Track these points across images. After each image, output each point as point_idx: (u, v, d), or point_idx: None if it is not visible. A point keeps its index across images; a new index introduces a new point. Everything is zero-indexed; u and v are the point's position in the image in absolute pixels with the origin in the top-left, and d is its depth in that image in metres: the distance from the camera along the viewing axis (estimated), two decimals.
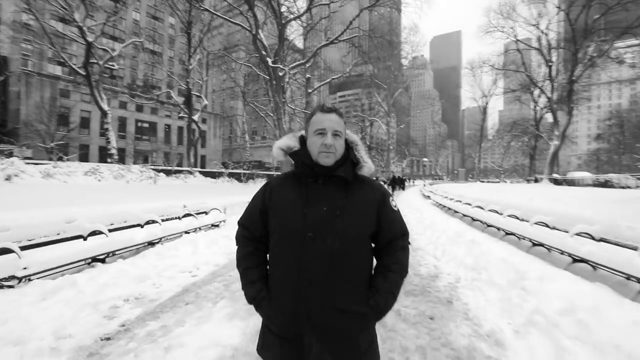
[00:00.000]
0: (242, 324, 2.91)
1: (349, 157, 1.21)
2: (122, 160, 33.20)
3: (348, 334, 1.13)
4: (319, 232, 1.11)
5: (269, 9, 27.91)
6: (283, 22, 28.17)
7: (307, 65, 31.19)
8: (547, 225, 5.93)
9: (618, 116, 59.97)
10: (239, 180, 30.67)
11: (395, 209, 1.26)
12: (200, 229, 6.76)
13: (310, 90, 33.60)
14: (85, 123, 44.37)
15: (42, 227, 3.70)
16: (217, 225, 7.57)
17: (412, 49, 50.84)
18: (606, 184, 28.31)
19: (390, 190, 26.33)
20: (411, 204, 16.57)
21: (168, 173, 24.79)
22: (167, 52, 63.56)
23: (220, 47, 42.05)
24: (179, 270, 4.38)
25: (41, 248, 3.66)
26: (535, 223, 5.95)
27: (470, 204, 10.89)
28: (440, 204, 14.74)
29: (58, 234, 3.89)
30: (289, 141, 1.26)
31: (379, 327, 2.82)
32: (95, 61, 27.69)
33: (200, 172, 28.59)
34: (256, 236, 1.27)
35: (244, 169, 32.41)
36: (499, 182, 57.97)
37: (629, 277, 3.45)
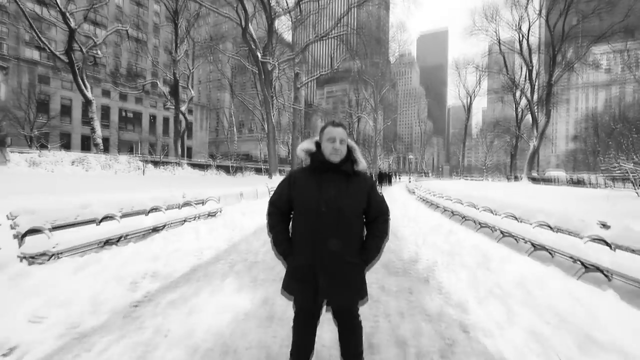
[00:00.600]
0: (249, 295, 3.40)
1: (350, 157, 1.75)
2: (106, 150, 32.65)
3: (347, 277, 1.71)
4: (329, 207, 1.65)
5: (259, 2, 27.84)
6: (272, 16, 28.22)
7: (296, 60, 31.32)
8: (515, 218, 6.64)
9: (593, 119, 62.75)
10: (228, 172, 30.79)
11: (380, 194, 1.84)
12: (199, 217, 7.18)
13: (299, 85, 33.82)
14: (66, 111, 43.11)
15: (61, 211, 4.04)
16: (214, 215, 7.98)
17: (399, 46, 51.71)
18: (579, 183, 30.00)
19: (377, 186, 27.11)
20: (397, 198, 17.26)
21: (156, 164, 24.73)
22: (151, 40, 62.04)
23: (206, 38, 41.53)
24: (185, 254, 4.81)
25: (63, 230, 4.02)
26: (505, 216, 6.65)
27: (451, 199, 11.63)
28: (424, 199, 15.50)
29: (75, 218, 4.23)
30: (307, 145, 1.80)
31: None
32: (78, 48, 26.92)
33: (189, 164, 28.59)
34: (283, 211, 1.81)
35: (232, 162, 32.49)
36: (482, 179, 59.80)
37: (574, 259, 4.11)
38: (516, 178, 41.47)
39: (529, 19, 36.55)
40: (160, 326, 2.64)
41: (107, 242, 4.45)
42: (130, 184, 15.65)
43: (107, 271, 3.53)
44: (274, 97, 33.31)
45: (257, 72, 29.60)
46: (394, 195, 20.34)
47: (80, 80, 25.56)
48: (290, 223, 1.82)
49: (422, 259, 5.25)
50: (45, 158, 17.65)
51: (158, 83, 38.13)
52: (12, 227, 3.54)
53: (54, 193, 7.96)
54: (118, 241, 4.65)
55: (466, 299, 3.48)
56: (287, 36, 39.95)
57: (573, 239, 4.62)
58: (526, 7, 36.00)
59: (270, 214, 1.83)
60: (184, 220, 6.61)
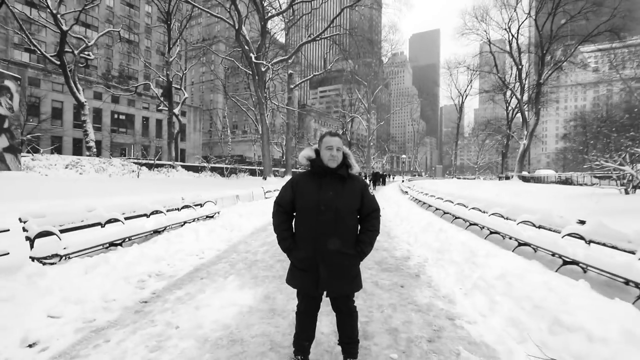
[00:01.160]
0: (252, 291, 3.62)
1: (345, 163, 2.01)
2: (98, 153, 32.42)
3: (344, 267, 1.96)
4: (327, 206, 1.91)
5: (252, 3, 27.97)
6: (266, 17, 28.38)
7: (290, 61, 31.51)
8: (501, 216, 6.95)
9: (581, 117, 63.98)
10: (222, 174, 30.83)
11: (372, 194, 2.10)
12: (198, 219, 7.36)
13: (292, 86, 34.01)
14: (57, 114, 42.60)
15: (69, 214, 4.21)
16: (212, 217, 8.16)
17: (391, 46, 52.17)
18: (567, 181, 30.71)
19: (372, 186, 27.46)
20: (390, 198, 17.59)
21: (150, 167, 24.69)
22: (143, 41, 61.68)
23: (198, 38, 41.34)
24: (187, 254, 5.01)
25: (70, 233, 4.19)
26: (492, 214, 6.96)
27: (442, 199, 11.97)
28: (416, 199, 15.84)
29: (82, 221, 4.40)
30: (308, 152, 2.04)
31: (362, 293, 3.60)
32: (69, 50, 26.68)
33: (183, 166, 28.55)
34: (287, 210, 2.05)
35: (226, 164, 32.54)
36: (474, 178, 60.56)
37: (553, 254, 4.42)
38: (507, 177, 42.18)
39: (518, 20, 37.27)
40: (171, 320, 2.86)
41: (112, 244, 4.63)
42: (125, 187, 15.70)
43: (115, 271, 3.73)
44: (268, 99, 33.46)
45: (250, 73, 29.72)
46: (387, 195, 20.66)
47: (72, 83, 25.36)
48: (294, 221, 2.07)
49: (414, 256, 5.52)
50: (38, 162, 17.59)
51: (151, 85, 37.93)
52: (24, 230, 3.71)
53: (52, 198, 8.06)
54: (122, 243, 4.83)
55: (453, 292, 3.75)
56: (281, 37, 40.14)
57: (553, 235, 4.93)
58: (515, 8, 36.74)
59: (276, 213, 2.06)
60: (184, 223, 6.79)
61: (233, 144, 56.48)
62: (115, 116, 47.76)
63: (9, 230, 3.90)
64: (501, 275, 3.68)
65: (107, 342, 2.47)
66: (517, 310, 2.96)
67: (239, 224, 7.44)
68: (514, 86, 40.30)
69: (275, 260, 5.02)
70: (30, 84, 39.77)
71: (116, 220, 4.94)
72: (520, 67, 38.22)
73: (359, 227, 2.05)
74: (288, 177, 31.08)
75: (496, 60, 41.62)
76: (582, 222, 4.54)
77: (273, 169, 33.76)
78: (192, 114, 58.33)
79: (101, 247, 4.39)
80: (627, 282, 3.35)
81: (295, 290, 2.16)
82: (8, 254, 3.78)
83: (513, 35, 37.66)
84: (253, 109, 37.17)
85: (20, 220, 3.79)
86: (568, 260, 4.09)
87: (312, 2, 30.28)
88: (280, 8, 30.35)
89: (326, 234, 1.89)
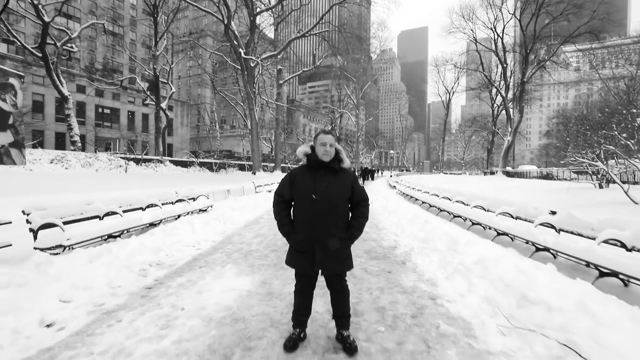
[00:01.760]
0: (249, 278, 3.86)
1: (337, 157, 2.27)
2: (83, 147, 31.76)
3: (336, 249, 2.21)
4: (321, 196, 2.16)
5: None
6: (255, 12, 28.22)
7: (279, 57, 31.46)
8: (483, 208, 7.36)
9: (563, 115, 65.95)
10: (211, 169, 30.70)
11: (361, 185, 2.34)
12: (192, 212, 7.51)
13: (281, 82, 33.98)
14: (38, 107, 41.41)
15: (68, 207, 4.34)
16: (205, 210, 8.32)
17: (380, 43, 52.52)
18: (548, 176, 31.82)
19: (360, 181, 27.92)
20: (379, 192, 17.96)
21: (137, 162, 24.43)
22: (129, 34, 60.22)
23: (185, 32, 40.67)
24: (184, 245, 5.20)
25: (71, 225, 4.32)
26: (475, 206, 7.35)
27: (428, 193, 12.39)
28: (404, 193, 16.26)
29: (81, 214, 4.53)
30: (305, 148, 2.30)
31: (352, 278, 3.89)
32: (51, 42, 25.93)
33: (171, 161, 28.31)
34: (286, 200, 2.30)
35: (214, 159, 32.37)
36: (461, 174, 61.81)
37: (527, 241, 4.80)
38: (492, 172, 43.32)
39: (503, 20, 38.07)
40: (176, 303, 3.08)
41: (111, 236, 4.78)
42: (114, 181, 15.59)
43: (118, 260, 3.90)
44: (257, 94, 33.36)
45: (239, 68, 29.55)
46: (376, 189, 21.04)
47: (54, 76, 24.73)
48: (292, 209, 2.32)
49: (401, 246, 5.85)
50: None
51: (136, 78, 37.23)
52: (27, 222, 3.84)
53: (43, 193, 8.02)
54: (121, 234, 4.98)
55: (436, 276, 4.08)
56: (270, 33, 39.87)
57: (528, 224, 5.33)
58: (500, 8, 37.50)
59: (276, 202, 2.31)
60: (179, 216, 6.94)
61: (221, 138, 56.02)
62: (100, 110, 46.73)
63: (11, 222, 4.02)
64: (479, 260, 4.02)
65: (119, 322, 2.68)
66: (491, 290, 3.30)
67: (232, 217, 7.62)
68: (499, 84, 41.24)
69: (269, 250, 5.26)
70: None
71: (114, 213, 5.08)
72: (505, 65, 39.14)
73: (350, 214, 2.31)
74: (278, 172, 31.28)
75: (482, 59, 42.47)
76: (554, 213, 4.94)
77: (262, 164, 33.79)
78: (179, 108, 57.53)
79: (100, 238, 4.54)
80: (587, 264, 3.74)
81: (290, 276, 2.43)
82: (11, 245, 3.90)
83: (498, 35, 38.47)
84: (242, 103, 36.99)
85: (23, 212, 3.91)
86: (540, 247, 4.48)
87: None
88: (270, 3, 30.22)
89: (320, 221, 2.15)
